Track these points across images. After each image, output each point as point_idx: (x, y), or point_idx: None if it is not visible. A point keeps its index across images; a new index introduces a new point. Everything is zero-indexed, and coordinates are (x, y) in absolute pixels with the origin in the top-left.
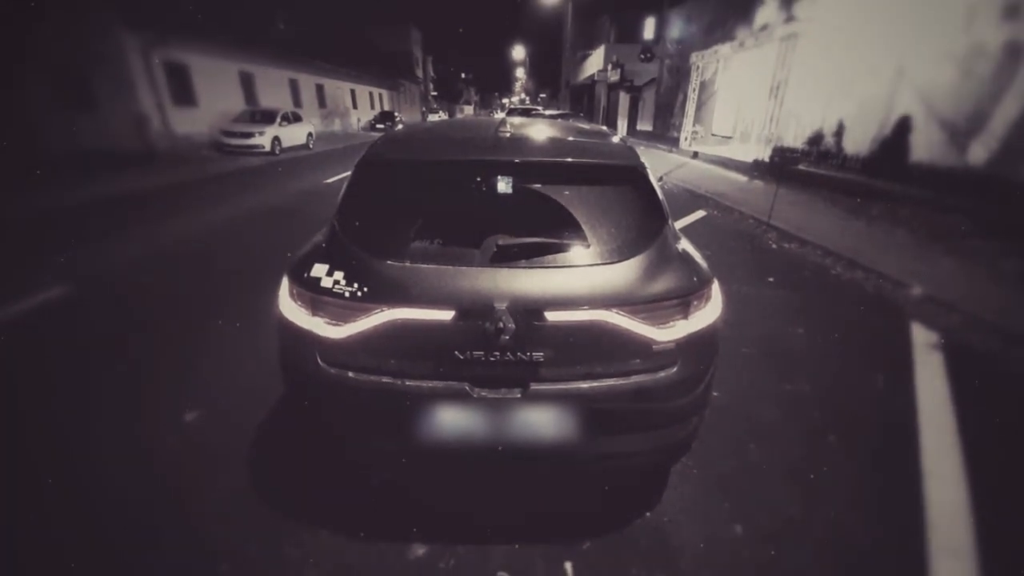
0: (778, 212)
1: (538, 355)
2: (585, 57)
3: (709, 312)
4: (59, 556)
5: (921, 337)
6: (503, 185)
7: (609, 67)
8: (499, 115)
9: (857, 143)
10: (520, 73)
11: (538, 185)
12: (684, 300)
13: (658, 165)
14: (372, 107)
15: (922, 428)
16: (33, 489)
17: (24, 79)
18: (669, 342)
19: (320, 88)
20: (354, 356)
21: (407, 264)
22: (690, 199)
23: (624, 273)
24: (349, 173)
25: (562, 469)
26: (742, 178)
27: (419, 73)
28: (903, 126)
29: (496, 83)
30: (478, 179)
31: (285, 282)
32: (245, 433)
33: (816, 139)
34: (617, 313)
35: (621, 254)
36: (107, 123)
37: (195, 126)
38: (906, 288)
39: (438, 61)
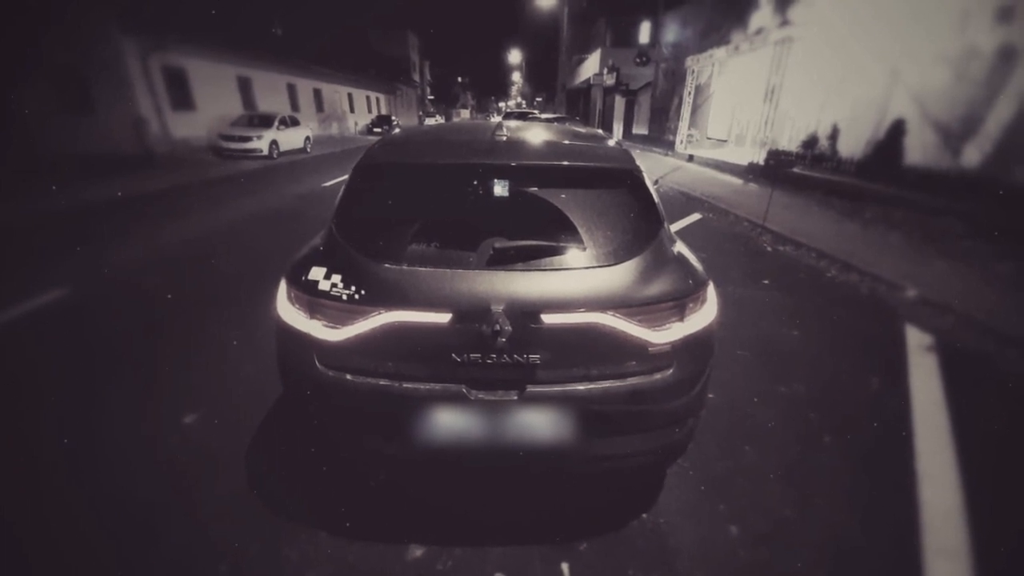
0: (773, 215)
1: (534, 357)
2: (581, 61)
3: (705, 314)
4: (60, 555)
5: (915, 339)
6: (500, 188)
7: (605, 71)
8: (495, 119)
9: (851, 146)
10: (516, 77)
11: (534, 188)
12: (680, 302)
13: (654, 168)
14: (369, 111)
15: (916, 429)
16: (35, 488)
17: (24, 83)
18: (665, 344)
19: (318, 92)
20: (352, 358)
21: (404, 267)
22: (685, 202)
23: (620, 276)
24: (346, 176)
25: (558, 471)
26: (737, 181)
27: (416, 77)
28: (897, 129)
29: (492, 87)
30: (475, 182)
31: (283, 285)
32: (244, 434)
33: (811, 142)
34: (613, 315)
35: (617, 257)
36: (106, 127)
37: (193, 130)
38: (900, 290)
39: (435, 65)
